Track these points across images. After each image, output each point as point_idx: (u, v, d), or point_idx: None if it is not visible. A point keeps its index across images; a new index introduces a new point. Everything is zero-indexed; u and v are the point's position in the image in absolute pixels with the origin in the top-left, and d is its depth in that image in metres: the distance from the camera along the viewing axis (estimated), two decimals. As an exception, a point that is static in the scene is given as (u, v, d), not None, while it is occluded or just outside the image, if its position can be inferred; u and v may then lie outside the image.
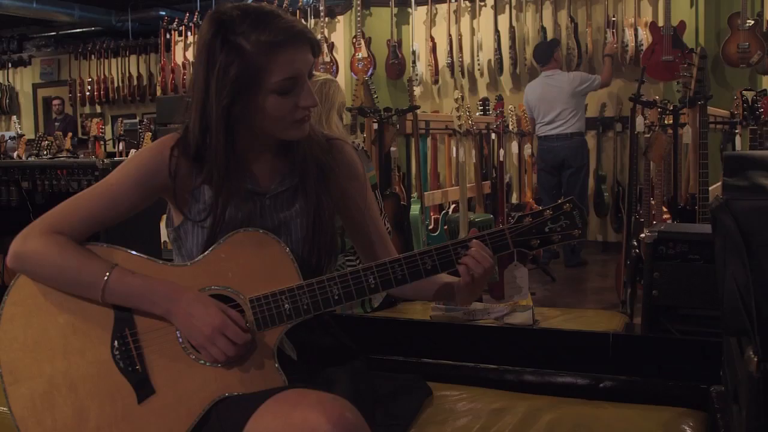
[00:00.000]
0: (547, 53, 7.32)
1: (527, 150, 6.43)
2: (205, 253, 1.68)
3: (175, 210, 1.79)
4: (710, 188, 4.01)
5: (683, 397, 2.04)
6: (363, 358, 1.91)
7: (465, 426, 1.87)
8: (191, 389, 1.63)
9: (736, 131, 5.85)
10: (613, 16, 8.09)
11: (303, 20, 9.66)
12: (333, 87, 3.07)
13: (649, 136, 4.60)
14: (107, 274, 1.64)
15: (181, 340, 1.65)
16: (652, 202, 4.64)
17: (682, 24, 7.60)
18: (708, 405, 1.97)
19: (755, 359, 1.32)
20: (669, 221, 4.43)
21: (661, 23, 7.66)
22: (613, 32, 8.03)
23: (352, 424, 1.44)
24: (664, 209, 4.59)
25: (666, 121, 4.95)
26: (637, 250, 4.17)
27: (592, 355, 2.26)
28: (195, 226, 1.74)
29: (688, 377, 2.10)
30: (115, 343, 1.66)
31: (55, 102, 11.97)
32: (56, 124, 11.44)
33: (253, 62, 1.61)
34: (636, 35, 7.92)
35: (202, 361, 1.64)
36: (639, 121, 4.56)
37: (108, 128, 10.60)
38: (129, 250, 1.70)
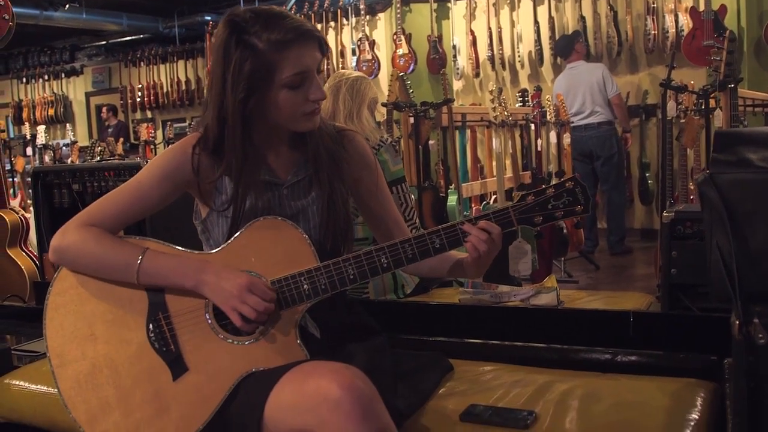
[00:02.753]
0: (568, 46, 7.37)
1: (566, 139, 6.46)
2: (229, 241, 1.82)
3: (200, 203, 1.93)
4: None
5: (697, 369, 2.10)
6: (384, 336, 2.03)
7: (483, 396, 1.95)
8: (221, 366, 1.76)
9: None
10: (653, 3, 8.05)
11: (344, 19, 9.82)
12: (364, 84, 3.19)
13: (683, 121, 4.63)
14: (140, 256, 1.79)
15: (210, 321, 1.79)
16: (691, 186, 4.67)
17: (723, 8, 7.55)
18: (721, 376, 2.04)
19: (737, 323, 1.41)
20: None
21: (701, 8, 7.62)
22: (653, 19, 8.01)
23: (361, 390, 1.55)
24: (702, 192, 4.60)
25: (702, 106, 4.97)
26: (671, 234, 4.21)
27: (613, 332, 2.33)
28: (219, 217, 1.88)
29: (706, 352, 2.16)
30: (150, 326, 1.81)
31: (103, 109, 12.28)
32: (109, 130, 11.74)
33: (265, 59, 1.75)
34: (676, 21, 7.87)
35: (230, 341, 1.77)
36: (671, 106, 4.59)
37: (159, 132, 10.87)
38: (159, 241, 1.85)
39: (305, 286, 1.76)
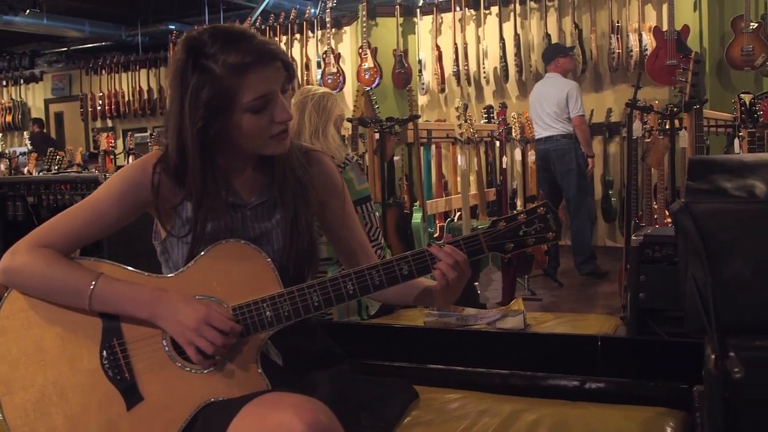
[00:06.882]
0: (551, 54, 7.24)
1: (531, 157, 6.44)
2: (189, 264, 1.74)
3: (160, 225, 1.85)
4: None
5: (666, 397, 2.07)
6: (348, 363, 1.96)
7: (450, 427, 1.90)
8: (178, 396, 1.68)
9: (740, 134, 5.86)
10: (618, 22, 8.13)
11: (309, 32, 9.76)
12: (331, 100, 3.14)
13: (648, 140, 4.63)
14: (93, 282, 1.70)
15: (167, 349, 1.71)
16: (655, 206, 4.67)
17: (686, 28, 7.63)
18: (690, 405, 2.00)
19: (713, 357, 1.37)
20: (671, 225, 4.43)
21: (665, 28, 7.69)
22: (617, 37, 8.07)
23: (325, 426, 1.49)
24: (667, 213, 4.61)
25: (666, 126, 4.97)
26: (636, 255, 4.20)
27: (581, 357, 2.29)
28: (179, 241, 1.80)
29: (675, 378, 2.13)
30: (104, 353, 1.72)
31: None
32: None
33: (223, 84, 1.67)
34: (640, 40, 7.96)
35: (188, 369, 1.69)
36: (637, 126, 4.59)
37: (119, 142, 10.71)
38: (115, 263, 1.76)
39: (268, 312, 1.69)
